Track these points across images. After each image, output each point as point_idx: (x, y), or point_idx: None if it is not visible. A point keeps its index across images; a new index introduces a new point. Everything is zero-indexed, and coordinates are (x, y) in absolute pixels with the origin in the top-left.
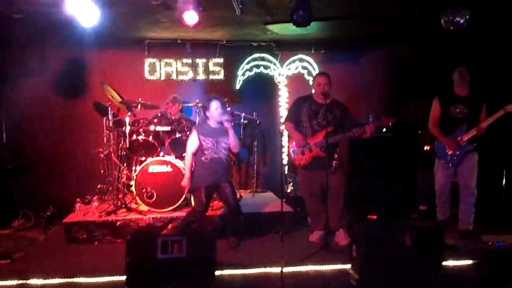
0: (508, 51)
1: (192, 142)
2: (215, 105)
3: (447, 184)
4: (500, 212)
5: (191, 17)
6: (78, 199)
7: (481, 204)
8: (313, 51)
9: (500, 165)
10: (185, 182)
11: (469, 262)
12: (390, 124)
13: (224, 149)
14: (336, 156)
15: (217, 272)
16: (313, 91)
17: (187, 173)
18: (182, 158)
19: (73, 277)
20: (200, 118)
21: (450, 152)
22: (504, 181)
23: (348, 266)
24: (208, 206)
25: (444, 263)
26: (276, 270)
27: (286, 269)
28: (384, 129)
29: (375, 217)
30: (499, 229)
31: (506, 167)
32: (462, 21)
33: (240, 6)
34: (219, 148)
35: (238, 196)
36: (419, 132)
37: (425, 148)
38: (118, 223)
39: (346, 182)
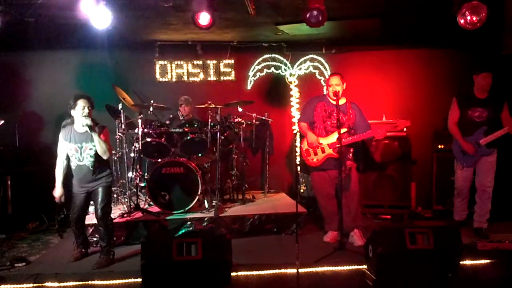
0: None
1: (60, 148)
2: (82, 105)
3: (466, 185)
4: None
5: (204, 18)
6: (91, 202)
7: (503, 204)
8: (324, 51)
9: None
10: (55, 192)
11: (487, 261)
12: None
13: (90, 156)
14: (350, 157)
15: (233, 274)
16: (325, 91)
17: (57, 182)
18: (194, 159)
19: (88, 280)
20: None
21: (468, 153)
22: None
23: (364, 267)
24: (79, 217)
25: (461, 262)
26: (291, 271)
27: (302, 270)
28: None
29: (389, 217)
30: None
31: None
32: (479, 19)
33: (253, 7)
34: (83, 155)
35: (251, 197)
36: (433, 131)
37: (439, 147)
38: (132, 225)
39: (360, 182)
